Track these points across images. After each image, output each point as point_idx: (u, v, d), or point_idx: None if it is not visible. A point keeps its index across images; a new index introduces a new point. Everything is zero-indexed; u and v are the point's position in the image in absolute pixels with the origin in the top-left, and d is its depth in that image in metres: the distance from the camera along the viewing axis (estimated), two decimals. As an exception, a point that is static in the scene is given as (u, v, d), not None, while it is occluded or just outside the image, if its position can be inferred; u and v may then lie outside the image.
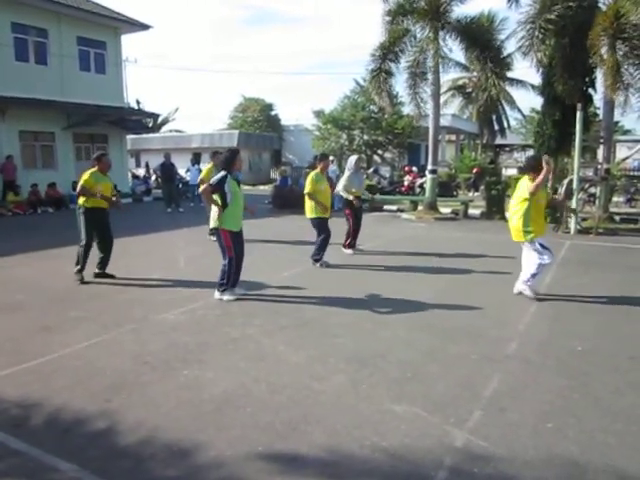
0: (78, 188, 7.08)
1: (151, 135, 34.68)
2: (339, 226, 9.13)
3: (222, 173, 6.05)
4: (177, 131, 42.25)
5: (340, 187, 9.07)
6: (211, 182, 6.06)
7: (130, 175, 25.41)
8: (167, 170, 17.10)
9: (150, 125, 32.02)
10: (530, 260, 6.26)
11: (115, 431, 3.25)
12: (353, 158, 9.60)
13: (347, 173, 9.19)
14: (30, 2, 18.35)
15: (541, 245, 6.15)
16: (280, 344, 4.75)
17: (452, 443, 3.12)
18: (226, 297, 6.15)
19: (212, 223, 6.68)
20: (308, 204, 8.14)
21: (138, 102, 40.75)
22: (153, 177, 25.80)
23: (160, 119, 40.77)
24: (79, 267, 7.08)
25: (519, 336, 5.00)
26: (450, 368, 4.22)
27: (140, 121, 25.94)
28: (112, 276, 7.27)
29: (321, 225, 8.13)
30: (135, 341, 4.83)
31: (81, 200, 7.07)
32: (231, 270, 6.13)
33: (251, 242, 10.02)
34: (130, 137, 27.73)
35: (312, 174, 8.21)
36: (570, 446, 3.08)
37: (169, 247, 9.93)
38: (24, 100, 18.32)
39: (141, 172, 28.22)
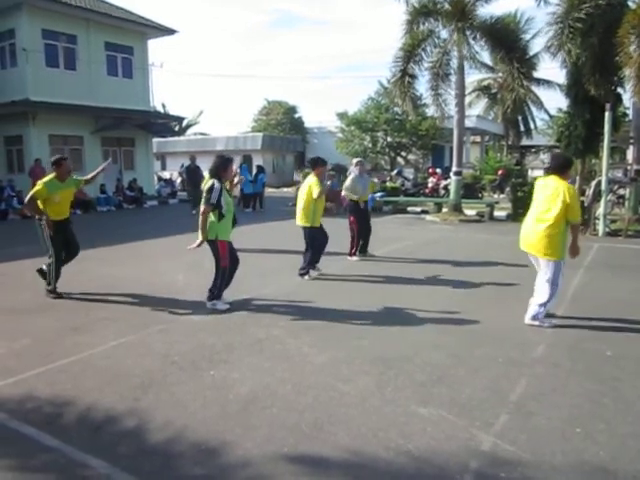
0: (26, 199, 6.33)
1: (176, 138, 35.21)
2: (343, 233, 9.01)
3: (216, 185, 5.70)
4: (202, 134, 42.76)
5: (344, 188, 8.89)
6: (210, 201, 5.67)
7: (156, 178, 25.83)
8: (192, 173, 17.31)
9: (176, 128, 32.45)
10: (542, 285, 5.33)
11: (144, 429, 3.31)
12: (353, 162, 9.34)
13: (351, 176, 8.98)
14: (60, 9, 18.83)
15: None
16: (305, 345, 4.77)
17: (478, 447, 3.10)
18: (219, 306, 5.92)
19: (202, 235, 6.14)
20: None
21: (164, 106, 41.43)
22: (179, 180, 26.15)
23: (185, 122, 41.38)
24: (51, 285, 6.44)
25: (546, 340, 4.93)
26: (476, 371, 4.19)
27: (166, 124, 26.36)
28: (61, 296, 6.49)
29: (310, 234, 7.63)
30: (163, 341, 4.90)
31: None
32: (223, 280, 5.96)
33: (274, 245, 10.12)
34: (156, 140, 28.18)
35: (313, 180, 7.45)
36: (600, 452, 3.04)
37: (194, 248, 10.01)
38: (54, 105, 18.79)
39: (167, 175, 28.65)
